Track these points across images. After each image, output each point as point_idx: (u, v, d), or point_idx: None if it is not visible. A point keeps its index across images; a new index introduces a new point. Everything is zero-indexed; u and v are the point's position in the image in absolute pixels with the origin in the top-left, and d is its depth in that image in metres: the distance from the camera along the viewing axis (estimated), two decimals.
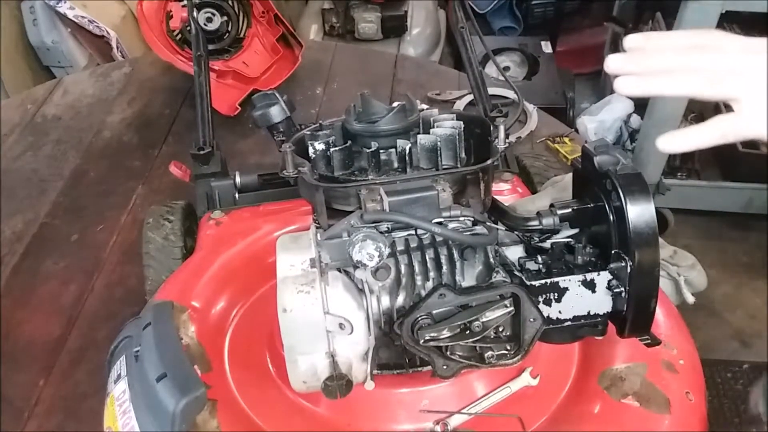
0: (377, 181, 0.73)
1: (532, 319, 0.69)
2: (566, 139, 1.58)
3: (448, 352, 0.70)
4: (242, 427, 0.77)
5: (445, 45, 2.90)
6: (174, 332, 0.81)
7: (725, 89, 0.56)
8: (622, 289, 0.68)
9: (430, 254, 0.71)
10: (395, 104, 0.78)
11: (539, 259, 0.72)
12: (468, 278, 0.72)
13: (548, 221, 0.74)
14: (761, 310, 2.06)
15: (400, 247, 0.72)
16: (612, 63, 0.59)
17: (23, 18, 2.30)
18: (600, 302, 0.70)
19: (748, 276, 2.17)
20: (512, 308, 0.68)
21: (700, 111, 2.40)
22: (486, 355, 0.71)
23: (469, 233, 0.71)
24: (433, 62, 2.60)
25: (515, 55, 2.85)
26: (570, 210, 0.74)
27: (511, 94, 1.59)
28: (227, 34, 1.72)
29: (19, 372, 1.13)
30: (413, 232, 0.72)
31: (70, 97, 1.84)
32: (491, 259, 0.72)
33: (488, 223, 0.73)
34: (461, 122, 0.79)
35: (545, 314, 0.70)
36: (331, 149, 0.78)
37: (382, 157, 0.78)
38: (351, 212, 0.71)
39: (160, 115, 1.75)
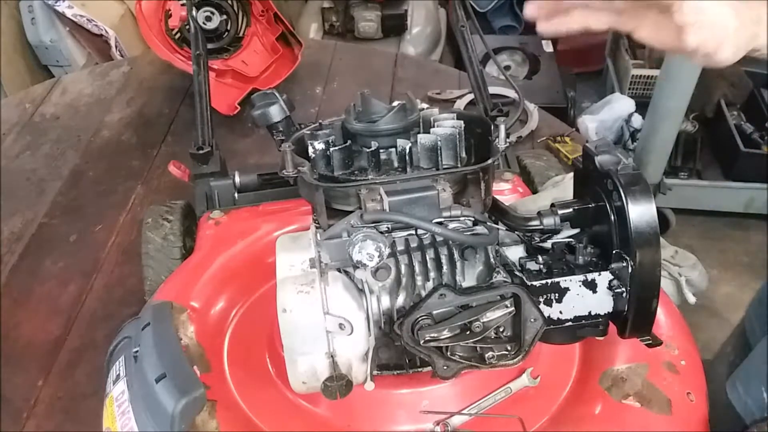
0: (377, 181, 0.73)
1: (532, 320, 0.68)
2: (567, 139, 1.58)
3: (448, 353, 0.70)
4: (241, 428, 0.77)
5: (445, 44, 2.90)
6: (173, 333, 0.81)
7: None
8: (624, 289, 0.68)
9: (430, 254, 0.71)
10: (395, 103, 0.78)
11: (540, 259, 0.71)
12: (468, 278, 0.71)
13: (549, 221, 0.73)
14: None
15: (400, 247, 0.71)
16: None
17: (21, 17, 2.29)
18: (601, 302, 0.70)
19: (750, 276, 2.17)
20: (513, 308, 0.68)
21: (701, 109, 2.40)
22: (486, 355, 0.70)
23: (469, 233, 0.71)
24: (433, 61, 2.60)
25: (516, 54, 2.85)
26: (571, 210, 0.74)
27: (511, 94, 1.59)
28: (226, 33, 1.72)
29: (18, 372, 1.13)
30: (413, 232, 0.72)
31: (69, 96, 1.84)
32: (492, 259, 0.71)
33: (489, 223, 0.73)
34: (462, 122, 0.78)
35: (546, 314, 0.69)
36: (331, 149, 0.78)
37: (382, 156, 0.78)
38: (351, 212, 0.71)
39: (159, 115, 1.75)
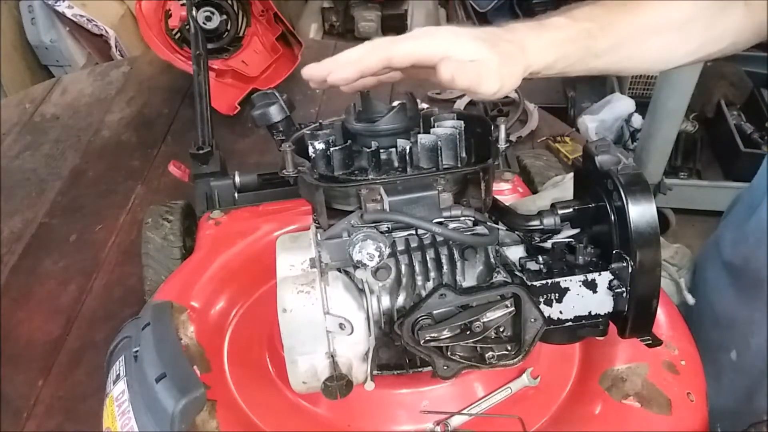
0: (377, 181, 0.73)
1: (533, 320, 0.68)
2: (567, 139, 1.58)
3: (448, 353, 0.70)
4: (241, 428, 0.77)
5: None
6: (173, 332, 0.81)
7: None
8: (624, 289, 0.68)
9: (430, 254, 0.71)
10: (395, 103, 0.78)
11: (540, 259, 0.71)
12: (469, 278, 0.71)
13: (549, 221, 0.73)
14: None
15: (400, 247, 0.71)
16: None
17: (21, 17, 2.30)
18: (601, 302, 0.70)
19: None
20: (513, 308, 0.68)
21: (701, 109, 2.41)
22: (487, 355, 0.70)
23: (469, 233, 0.71)
24: None
25: None
26: (571, 210, 0.74)
27: (511, 94, 1.59)
28: (226, 33, 1.72)
29: (18, 372, 1.13)
30: (413, 232, 0.72)
31: (69, 96, 1.84)
32: (492, 259, 0.71)
33: (489, 223, 0.73)
34: (462, 121, 0.78)
35: (546, 314, 0.69)
36: (331, 149, 0.78)
37: (383, 156, 0.78)
38: (351, 212, 0.71)
39: (159, 115, 1.75)
